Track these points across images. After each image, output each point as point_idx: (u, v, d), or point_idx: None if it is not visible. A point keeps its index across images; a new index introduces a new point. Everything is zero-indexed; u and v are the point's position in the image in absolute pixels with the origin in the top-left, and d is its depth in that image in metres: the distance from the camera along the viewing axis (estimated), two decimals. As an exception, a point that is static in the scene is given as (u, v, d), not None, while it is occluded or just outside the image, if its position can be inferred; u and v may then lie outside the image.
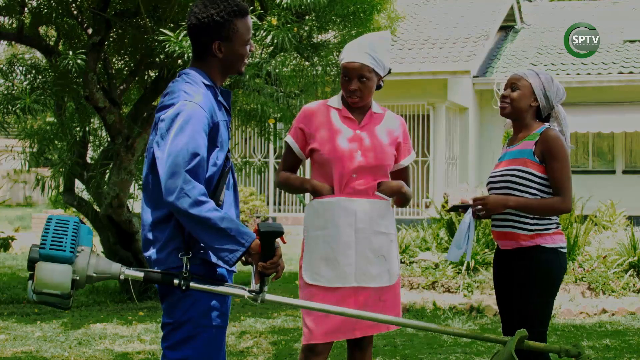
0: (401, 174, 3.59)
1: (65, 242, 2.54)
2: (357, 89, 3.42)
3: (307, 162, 3.68)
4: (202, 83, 2.74)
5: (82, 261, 2.57)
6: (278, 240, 2.66)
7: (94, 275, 2.60)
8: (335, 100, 3.53)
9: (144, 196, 2.78)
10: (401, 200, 3.54)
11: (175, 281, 2.63)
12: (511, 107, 3.57)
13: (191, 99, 2.66)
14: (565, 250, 3.52)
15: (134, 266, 2.76)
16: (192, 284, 2.63)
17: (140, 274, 2.66)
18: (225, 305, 2.77)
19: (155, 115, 2.75)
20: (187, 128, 2.60)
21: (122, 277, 2.65)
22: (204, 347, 2.71)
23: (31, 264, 2.54)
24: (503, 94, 3.60)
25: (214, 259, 2.70)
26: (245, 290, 2.69)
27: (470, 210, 3.59)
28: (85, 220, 7.80)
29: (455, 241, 3.63)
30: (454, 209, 3.74)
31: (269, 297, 2.71)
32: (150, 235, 2.72)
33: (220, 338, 2.77)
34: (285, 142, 3.55)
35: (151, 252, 2.71)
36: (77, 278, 2.55)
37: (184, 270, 2.64)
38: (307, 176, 3.68)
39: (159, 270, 2.67)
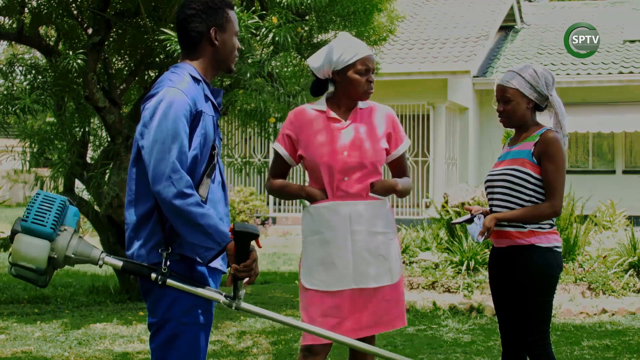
0: (397, 163, 3.57)
1: (48, 218, 2.55)
2: (373, 82, 3.46)
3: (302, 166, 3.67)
4: (190, 75, 2.73)
5: (62, 240, 2.58)
6: (254, 244, 2.61)
7: (73, 256, 2.60)
8: (319, 103, 3.51)
9: (127, 193, 2.76)
10: (400, 194, 3.52)
11: (153, 275, 2.61)
12: (511, 120, 3.58)
13: (174, 85, 2.65)
14: (560, 250, 3.52)
15: (135, 266, 2.72)
16: (169, 281, 2.61)
17: (119, 263, 2.65)
18: (209, 303, 2.73)
19: (141, 107, 2.74)
20: (170, 113, 2.59)
21: (100, 262, 2.63)
22: (188, 346, 2.68)
23: (12, 235, 2.55)
24: (498, 109, 3.60)
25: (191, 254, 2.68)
26: (222, 295, 2.66)
27: (477, 219, 3.59)
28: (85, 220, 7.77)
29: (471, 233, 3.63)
30: (458, 223, 3.77)
31: (244, 305, 2.67)
32: (132, 234, 2.71)
33: (204, 337, 2.74)
34: (274, 149, 3.54)
35: (133, 249, 2.69)
36: (55, 256, 2.56)
37: (163, 265, 2.62)
38: (305, 181, 3.68)
39: (138, 262, 2.65)
